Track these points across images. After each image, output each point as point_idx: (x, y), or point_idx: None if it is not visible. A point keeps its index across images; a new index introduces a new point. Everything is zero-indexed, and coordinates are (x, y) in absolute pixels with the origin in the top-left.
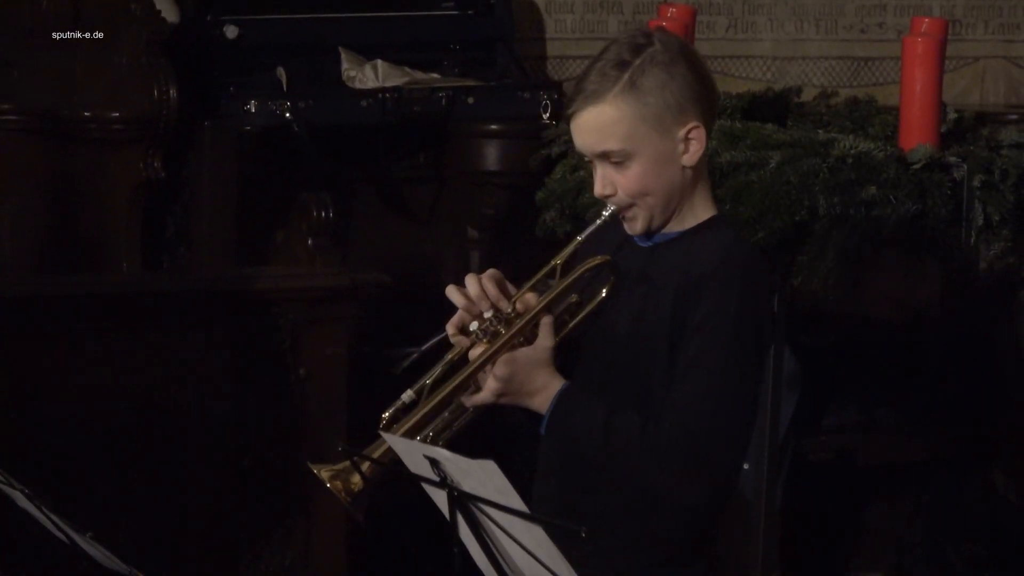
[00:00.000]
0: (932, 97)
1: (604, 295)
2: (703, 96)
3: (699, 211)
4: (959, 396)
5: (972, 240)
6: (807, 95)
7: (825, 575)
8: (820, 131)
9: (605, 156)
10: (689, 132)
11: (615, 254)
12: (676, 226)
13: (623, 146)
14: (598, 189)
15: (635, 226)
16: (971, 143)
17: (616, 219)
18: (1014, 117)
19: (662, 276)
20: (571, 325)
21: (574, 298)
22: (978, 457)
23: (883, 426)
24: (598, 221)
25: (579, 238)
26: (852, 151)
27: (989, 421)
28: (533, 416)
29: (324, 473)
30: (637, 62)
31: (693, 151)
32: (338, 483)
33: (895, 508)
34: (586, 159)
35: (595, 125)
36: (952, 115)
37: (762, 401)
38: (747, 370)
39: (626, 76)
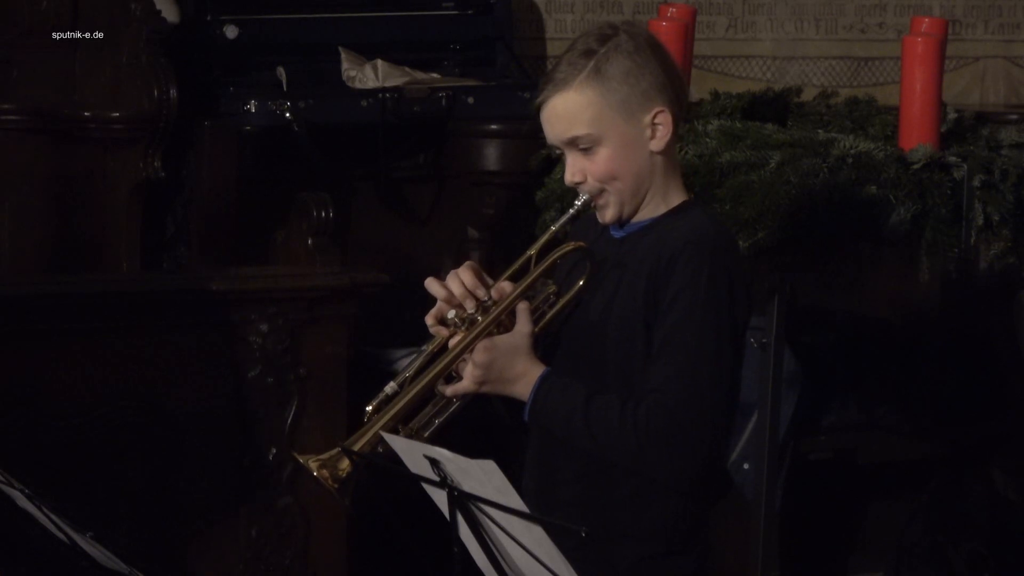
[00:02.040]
0: (932, 97)
1: (582, 283)
2: (669, 85)
3: (671, 198)
4: (959, 396)
5: (972, 240)
6: (807, 95)
7: (825, 575)
8: (820, 131)
9: (573, 143)
10: (655, 117)
11: (591, 246)
12: (648, 213)
13: (590, 131)
14: (568, 177)
15: (607, 213)
16: (971, 143)
17: (590, 212)
18: (1014, 117)
19: (635, 262)
20: (550, 315)
21: (552, 288)
22: (978, 457)
23: (883, 425)
24: (571, 211)
25: (553, 228)
26: (852, 151)
27: (989, 421)
28: (517, 405)
29: (312, 463)
30: (603, 50)
31: (660, 136)
32: (325, 471)
33: (895, 508)
34: (556, 151)
35: (562, 112)
36: (952, 115)
37: (762, 400)
38: (722, 345)
39: (591, 63)
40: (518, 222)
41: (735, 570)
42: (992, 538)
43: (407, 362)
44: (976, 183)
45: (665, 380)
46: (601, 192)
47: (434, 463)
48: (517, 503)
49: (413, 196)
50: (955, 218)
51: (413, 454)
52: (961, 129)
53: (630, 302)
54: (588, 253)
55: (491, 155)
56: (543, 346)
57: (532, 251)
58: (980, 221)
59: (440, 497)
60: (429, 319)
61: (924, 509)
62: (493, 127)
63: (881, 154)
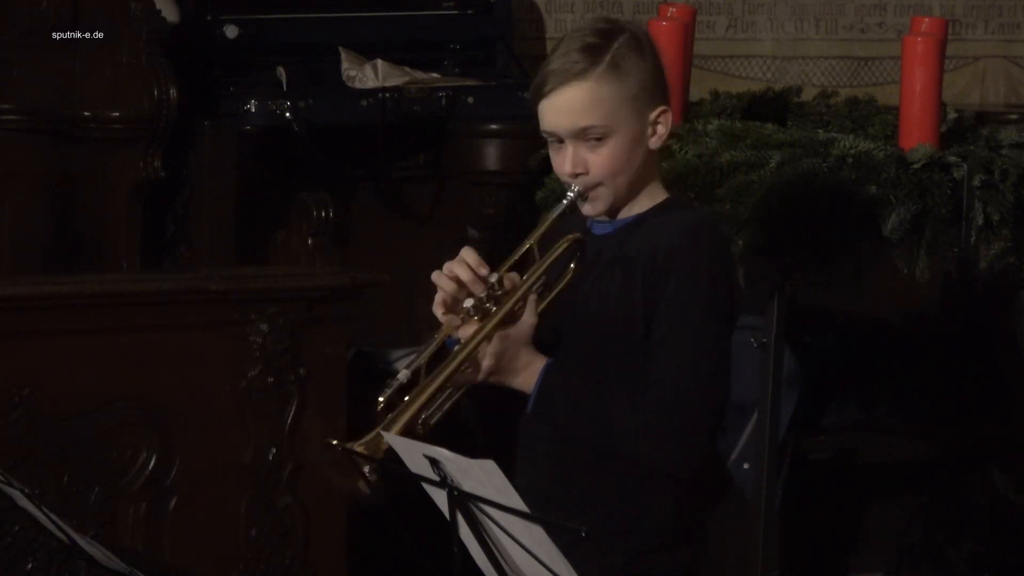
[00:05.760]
0: (932, 97)
1: (569, 277)
2: (665, 84)
3: (656, 193)
4: (959, 396)
5: (972, 240)
6: (807, 95)
7: (825, 575)
8: (820, 131)
9: (583, 133)
10: (658, 116)
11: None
12: (637, 209)
13: (605, 123)
14: (569, 168)
15: (597, 206)
16: (971, 143)
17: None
18: (1014, 117)
19: (631, 256)
20: (542, 306)
21: (542, 279)
22: (978, 457)
23: (883, 426)
24: (564, 201)
25: (551, 216)
26: (852, 151)
27: (989, 421)
28: (516, 396)
29: (352, 445)
30: (616, 44)
31: (660, 135)
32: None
33: (895, 508)
34: (551, 140)
35: (579, 102)
36: (952, 115)
37: (762, 400)
38: (721, 338)
39: (608, 57)
40: (518, 222)
41: (735, 570)
42: (992, 538)
43: (409, 360)
44: (976, 183)
45: (668, 373)
46: (596, 185)
47: (434, 463)
48: (517, 503)
49: (413, 196)
50: (955, 218)
51: (413, 454)
52: (961, 129)
53: (627, 296)
54: (583, 246)
55: (491, 155)
56: (540, 339)
57: (531, 242)
58: (980, 221)
59: (440, 497)
60: (438, 308)
61: (924, 509)
62: (493, 127)
63: (881, 154)
